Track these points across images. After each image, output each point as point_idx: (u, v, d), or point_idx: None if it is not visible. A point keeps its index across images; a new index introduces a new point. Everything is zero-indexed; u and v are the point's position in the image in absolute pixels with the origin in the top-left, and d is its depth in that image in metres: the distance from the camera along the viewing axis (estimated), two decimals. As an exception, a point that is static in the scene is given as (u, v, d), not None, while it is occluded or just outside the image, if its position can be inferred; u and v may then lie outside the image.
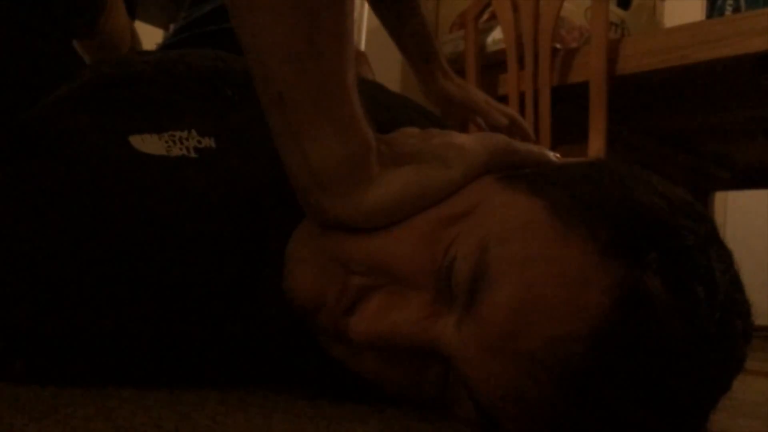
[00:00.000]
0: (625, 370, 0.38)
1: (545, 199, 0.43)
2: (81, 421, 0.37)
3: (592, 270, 0.39)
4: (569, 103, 1.49)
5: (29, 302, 0.47)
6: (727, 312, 0.41)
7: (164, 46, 1.04)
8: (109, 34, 0.90)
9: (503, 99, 1.56)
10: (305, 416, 0.45)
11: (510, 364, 0.40)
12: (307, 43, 0.41)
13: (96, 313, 0.48)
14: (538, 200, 0.44)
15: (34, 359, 0.47)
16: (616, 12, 1.58)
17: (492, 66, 1.63)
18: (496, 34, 1.64)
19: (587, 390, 0.38)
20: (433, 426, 0.46)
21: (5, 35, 0.61)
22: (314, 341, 0.50)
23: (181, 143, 0.52)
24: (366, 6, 1.89)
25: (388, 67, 1.60)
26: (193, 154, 0.52)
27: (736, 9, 1.39)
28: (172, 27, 1.09)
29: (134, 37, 1.04)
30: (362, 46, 1.98)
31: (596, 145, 1.38)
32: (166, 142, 0.52)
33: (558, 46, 1.53)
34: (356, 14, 2.00)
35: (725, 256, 0.43)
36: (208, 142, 0.53)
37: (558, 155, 0.53)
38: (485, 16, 1.65)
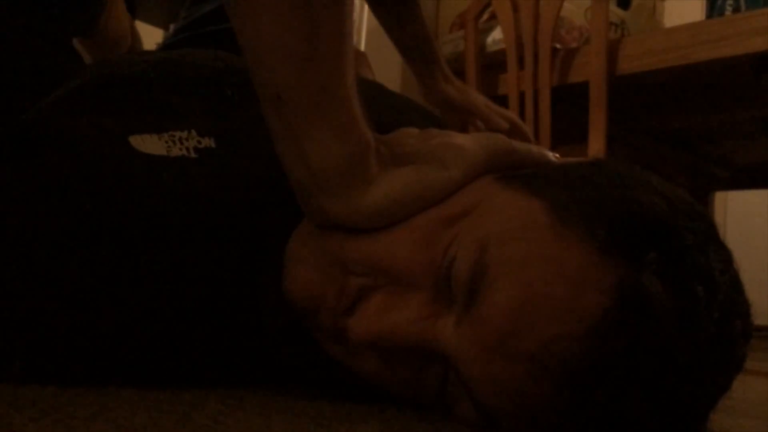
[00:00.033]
0: (624, 370, 0.38)
1: (544, 199, 0.43)
2: (81, 421, 0.37)
3: (591, 270, 0.39)
4: (569, 103, 1.49)
5: (29, 302, 0.47)
6: (727, 312, 0.41)
7: (164, 46, 1.04)
8: (109, 32, 0.90)
9: (503, 99, 1.56)
10: (305, 416, 0.45)
11: (509, 364, 0.40)
12: (306, 43, 0.41)
13: (96, 312, 0.48)
14: (537, 200, 0.44)
15: (34, 359, 0.47)
16: (616, 12, 1.58)
17: (492, 66, 1.63)
18: (496, 34, 1.64)
19: (586, 390, 0.38)
20: (433, 426, 0.46)
21: (5, 35, 0.61)
22: (314, 341, 0.50)
23: (181, 143, 0.52)
24: (366, 6, 1.88)
25: (388, 67, 1.60)
26: (192, 155, 0.52)
27: (736, 9, 1.39)
28: (172, 27, 1.09)
29: (134, 34, 1.04)
30: (362, 46, 1.99)
31: (596, 145, 1.38)
32: (166, 142, 0.52)
33: (558, 46, 1.53)
34: (356, 14, 2.01)
35: (725, 255, 0.43)
36: (208, 142, 0.53)
37: (557, 155, 0.53)
38: (485, 16, 1.65)
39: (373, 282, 0.46)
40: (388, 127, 0.51)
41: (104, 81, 0.56)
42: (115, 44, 0.94)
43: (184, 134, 0.52)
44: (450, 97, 1.07)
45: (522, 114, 1.52)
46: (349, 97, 0.44)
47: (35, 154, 0.51)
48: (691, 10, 1.89)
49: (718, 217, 2.54)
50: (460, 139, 0.50)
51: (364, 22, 2.03)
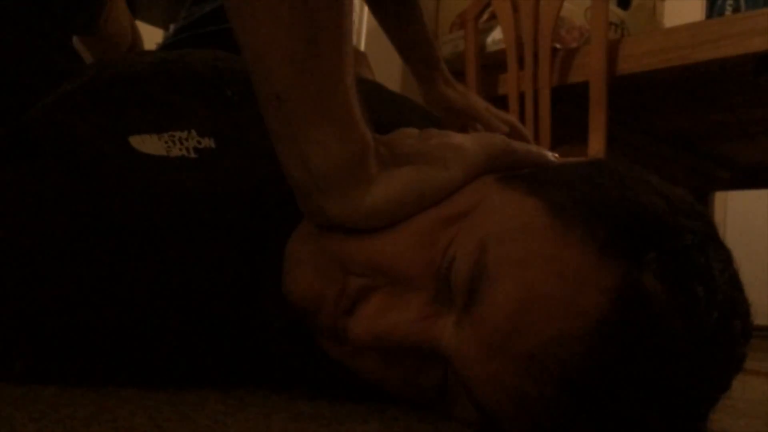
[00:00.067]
0: (624, 369, 0.38)
1: (544, 199, 0.43)
2: (81, 421, 0.37)
3: (590, 270, 0.39)
4: (569, 103, 1.49)
5: (30, 302, 0.47)
6: (726, 311, 0.41)
7: (164, 46, 1.04)
8: (110, 30, 0.90)
9: (503, 99, 1.56)
10: (305, 416, 0.45)
11: (509, 364, 0.40)
12: (305, 43, 0.41)
13: (96, 313, 0.48)
14: (536, 200, 0.44)
15: (34, 359, 0.47)
16: (616, 12, 1.58)
17: (492, 66, 1.63)
18: (496, 34, 1.64)
19: (586, 390, 0.38)
20: (433, 426, 0.46)
21: (5, 35, 0.61)
22: (314, 341, 0.50)
23: (181, 143, 0.52)
24: (366, 6, 1.89)
25: (388, 67, 1.60)
26: (192, 155, 0.52)
27: (736, 9, 1.39)
28: (172, 27, 1.09)
29: (135, 32, 1.04)
30: (362, 46, 1.99)
31: (596, 145, 1.38)
32: (166, 142, 0.52)
33: (558, 46, 1.53)
34: (356, 14, 2.01)
35: (724, 255, 0.43)
36: (208, 142, 0.53)
37: (557, 155, 0.53)
38: (485, 16, 1.65)
39: (373, 282, 0.46)
40: (388, 127, 0.51)
41: (104, 81, 0.56)
42: (116, 42, 0.94)
43: (184, 134, 0.52)
44: (450, 100, 1.07)
45: (522, 114, 1.52)
46: (349, 97, 0.44)
47: (35, 154, 0.51)
48: (691, 10, 1.89)
49: (718, 217, 2.54)
50: (460, 139, 0.50)
51: (364, 22, 2.03)
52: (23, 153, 0.51)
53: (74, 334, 0.48)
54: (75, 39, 0.82)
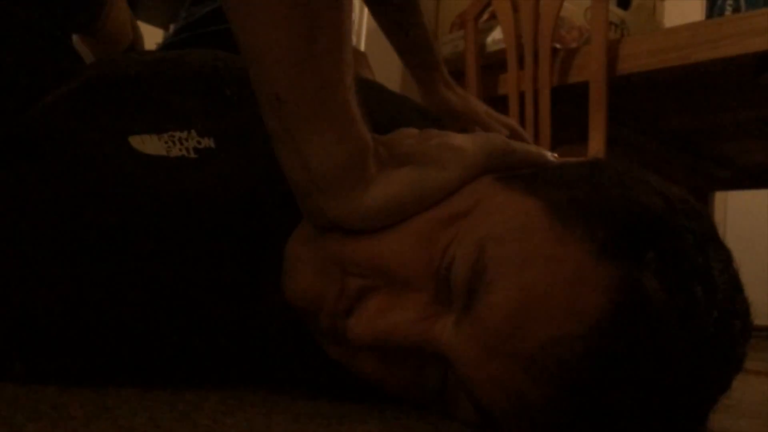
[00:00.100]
0: (623, 370, 0.38)
1: (543, 199, 0.43)
2: (81, 421, 0.37)
3: (589, 270, 0.39)
4: (569, 103, 1.49)
5: (30, 302, 0.47)
6: (726, 311, 0.41)
7: (164, 46, 1.04)
8: (110, 28, 0.90)
9: (503, 99, 1.56)
10: (305, 416, 0.45)
11: (508, 364, 0.40)
12: (304, 43, 0.41)
13: (96, 313, 0.48)
14: (536, 200, 0.44)
15: (34, 359, 0.47)
16: (616, 12, 1.58)
17: (492, 66, 1.63)
18: (496, 34, 1.64)
19: (586, 390, 0.38)
20: (433, 426, 0.46)
21: (5, 35, 0.61)
22: (314, 341, 0.50)
23: (181, 144, 0.52)
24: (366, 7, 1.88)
25: (388, 67, 1.59)
26: (192, 155, 0.52)
27: (736, 9, 1.39)
28: (172, 27, 1.09)
29: (136, 31, 1.04)
30: (362, 47, 1.99)
31: (596, 145, 1.38)
32: (166, 142, 0.52)
33: (558, 46, 1.53)
34: (356, 15, 2.01)
35: (724, 255, 0.43)
36: (208, 142, 0.53)
37: (556, 155, 0.53)
38: (485, 16, 1.65)
39: (372, 283, 0.46)
40: (388, 127, 0.51)
41: (104, 81, 0.56)
42: (117, 40, 0.94)
43: (184, 134, 0.52)
44: (450, 103, 1.07)
45: (522, 114, 1.52)
46: (348, 97, 0.44)
47: (35, 155, 0.51)
48: (691, 10, 1.89)
49: (718, 217, 2.54)
50: (459, 139, 0.50)
51: (364, 22, 2.03)
52: (23, 153, 0.51)
53: (74, 334, 0.48)
54: (75, 39, 0.82)
